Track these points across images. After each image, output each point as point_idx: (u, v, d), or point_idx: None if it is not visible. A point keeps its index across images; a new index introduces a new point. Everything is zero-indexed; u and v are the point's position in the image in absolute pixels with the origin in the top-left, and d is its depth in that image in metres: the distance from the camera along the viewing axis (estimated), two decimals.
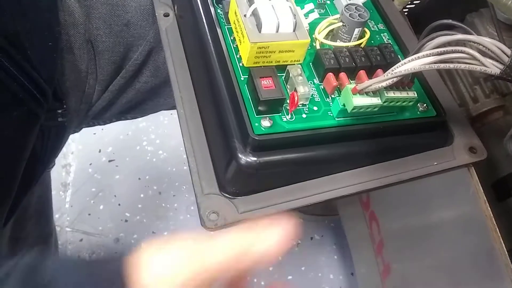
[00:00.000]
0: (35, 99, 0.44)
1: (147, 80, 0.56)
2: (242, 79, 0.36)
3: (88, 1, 0.50)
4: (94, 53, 0.52)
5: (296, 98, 0.35)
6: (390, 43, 0.40)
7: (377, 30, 0.42)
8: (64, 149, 0.62)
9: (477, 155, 0.39)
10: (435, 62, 0.31)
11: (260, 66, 0.36)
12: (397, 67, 0.32)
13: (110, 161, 1.15)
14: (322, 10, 0.42)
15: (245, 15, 0.35)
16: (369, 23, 0.43)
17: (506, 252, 0.38)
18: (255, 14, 0.35)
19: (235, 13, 0.36)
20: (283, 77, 0.37)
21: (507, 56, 0.29)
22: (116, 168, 1.14)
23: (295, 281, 0.98)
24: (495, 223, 0.39)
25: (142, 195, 1.10)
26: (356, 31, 0.39)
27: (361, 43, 0.39)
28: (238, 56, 0.37)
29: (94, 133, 1.16)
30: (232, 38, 0.38)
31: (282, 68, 0.37)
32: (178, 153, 1.13)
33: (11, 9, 0.41)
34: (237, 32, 0.37)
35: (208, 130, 0.39)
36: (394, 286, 0.58)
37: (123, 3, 0.52)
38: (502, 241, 0.38)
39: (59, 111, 0.51)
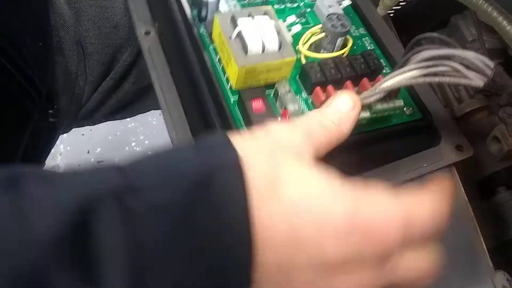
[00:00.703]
0: (31, 97, 0.45)
1: (136, 81, 0.57)
2: (232, 102, 0.37)
3: (78, 3, 0.51)
4: (83, 54, 0.53)
5: (287, 117, 0.35)
6: (373, 50, 0.41)
7: (358, 35, 0.43)
8: (52, 150, 0.63)
9: (464, 153, 0.40)
10: (421, 76, 0.31)
11: (249, 88, 0.36)
12: (385, 82, 0.33)
13: (99, 162, 1.14)
14: (303, 19, 0.43)
15: (230, 37, 0.36)
16: (350, 28, 0.43)
17: (487, 251, 0.39)
18: (239, 36, 0.35)
19: (220, 35, 0.36)
20: (272, 94, 0.37)
21: (490, 69, 0.29)
22: None
23: None
24: (476, 222, 0.40)
25: None
26: (339, 40, 0.39)
27: (344, 52, 0.40)
28: (226, 78, 0.37)
29: (83, 134, 1.15)
30: (218, 59, 0.38)
31: (270, 86, 0.37)
32: None
33: (7, 8, 0.42)
34: (223, 53, 0.37)
35: None
36: None
37: (112, 5, 0.52)
38: (482, 240, 0.39)
39: (50, 111, 0.52)
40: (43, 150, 0.57)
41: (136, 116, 0.66)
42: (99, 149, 1.15)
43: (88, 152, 1.15)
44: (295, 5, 0.43)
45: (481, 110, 0.49)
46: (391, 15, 0.51)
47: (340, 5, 0.43)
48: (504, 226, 0.56)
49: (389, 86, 0.33)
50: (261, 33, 0.35)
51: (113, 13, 0.53)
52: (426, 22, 0.61)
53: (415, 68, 0.32)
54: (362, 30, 0.43)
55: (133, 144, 1.16)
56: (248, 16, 0.36)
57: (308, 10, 0.43)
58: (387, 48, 0.42)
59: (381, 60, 0.41)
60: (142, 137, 1.17)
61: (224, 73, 0.38)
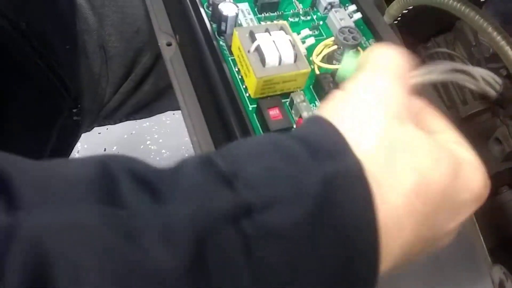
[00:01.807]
0: (60, 94, 0.48)
1: (155, 82, 0.60)
2: (251, 109, 0.39)
3: (101, 9, 0.54)
4: (106, 57, 0.56)
5: None
6: None
7: (368, 46, 0.45)
8: None
9: None
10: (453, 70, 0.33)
11: (266, 97, 0.39)
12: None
13: None
14: (316, 32, 0.45)
15: (248, 51, 0.38)
16: (361, 40, 0.46)
17: (485, 247, 0.41)
18: (258, 49, 0.38)
19: (239, 48, 0.39)
20: (287, 103, 0.40)
21: (499, 85, 0.32)
22: None
23: None
24: (474, 219, 0.42)
25: None
26: (351, 52, 0.42)
27: None
28: (244, 87, 0.40)
29: (99, 133, 1.18)
30: (236, 70, 0.41)
31: (286, 94, 0.40)
32: (181, 152, 1.16)
33: (39, 13, 0.45)
34: (241, 65, 0.40)
35: None
36: (381, 278, 0.62)
37: (134, 11, 0.55)
38: (481, 236, 0.42)
39: (74, 110, 0.55)
40: (68, 147, 0.60)
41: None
42: (115, 147, 1.19)
43: (105, 150, 1.18)
44: (309, 18, 0.46)
45: (485, 112, 0.52)
46: (398, 20, 0.53)
47: (351, 18, 0.45)
48: (506, 225, 0.59)
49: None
50: (278, 47, 0.38)
51: (135, 19, 0.56)
52: (431, 27, 0.63)
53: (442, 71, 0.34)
54: (372, 42, 0.46)
55: (148, 142, 1.20)
56: (265, 31, 0.39)
57: (321, 23, 0.46)
58: None
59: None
60: (156, 136, 1.20)
61: (243, 82, 0.40)
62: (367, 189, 0.21)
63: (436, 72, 0.32)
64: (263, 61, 0.38)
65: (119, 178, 0.20)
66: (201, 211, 0.19)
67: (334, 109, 0.24)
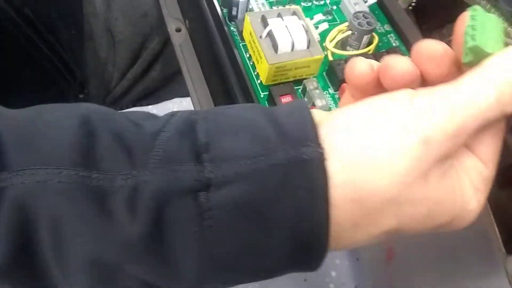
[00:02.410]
0: (66, 79, 0.47)
1: (163, 69, 0.59)
2: (262, 96, 0.38)
3: None
4: (113, 41, 0.55)
5: None
6: (398, 47, 0.42)
7: (383, 31, 0.44)
8: None
9: None
10: None
11: (279, 84, 0.38)
12: None
13: None
14: (329, 16, 0.44)
15: (260, 36, 0.37)
16: (376, 26, 0.44)
17: (500, 238, 0.40)
18: (270, 35, 0.37)
19: (250, 34, 0.38)
20: (300, 90, 0.39)
21: None
22: None
23: None
24: (489, 209, 0.41)
25: None
26: (365, 38, 0.41)
27: (369, 50, 0.41)
28: (255, 74, 0.39)
29: None
30: (248, 56, 0.40)
31: (298, 81, 0.39)
32: None
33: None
34: (253, 51, 0.38)
35: None
36: (397, 269, 0.61)
37: None
38: (496, 227, 0.41)
39: (81, 95, 0.54)
40: None
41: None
42: None
43: None
44: (322, 2, 0.45)
45: None
46: (413, 4, 0.52)
47: (365, 2, 0.44)
48: None
49: None
50: (290, 32, 0.37)
51: (143, 3, 0.55)
52: (447, 11, 0.62)
53: None
54: (387, 27, 0.44)
55: None
56: (278, 16, 0.38)
57: (335, 7, 0.45)
58: (412, 45, 0.43)
59: (407, 57, 0.42)
60: None
61: (254, 69, 0.39)
62: (322, 181, 0.21)
63: None
64: (275, 47, 0.37)
65: (100, 138, 0.21)
66: (166, 182, 0.21)
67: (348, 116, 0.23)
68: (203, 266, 0.21)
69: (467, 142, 0.23)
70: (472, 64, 0.22)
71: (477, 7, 0.23)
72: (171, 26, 0.47)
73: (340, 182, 0.21)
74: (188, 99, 0.45)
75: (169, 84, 0.60)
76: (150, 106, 0.64)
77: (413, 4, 0.50)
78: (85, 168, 0.21)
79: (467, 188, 0.23)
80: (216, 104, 0.42)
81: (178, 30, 0.47)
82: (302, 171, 0.21)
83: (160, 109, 1.19)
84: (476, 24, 0.23)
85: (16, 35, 0.42)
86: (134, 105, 0.62)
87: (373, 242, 0.24)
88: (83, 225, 0.20)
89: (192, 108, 0.44)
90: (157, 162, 0.21)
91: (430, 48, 0.24)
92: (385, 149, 0.21)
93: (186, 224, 0.21)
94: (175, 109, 1.19)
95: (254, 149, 0.22)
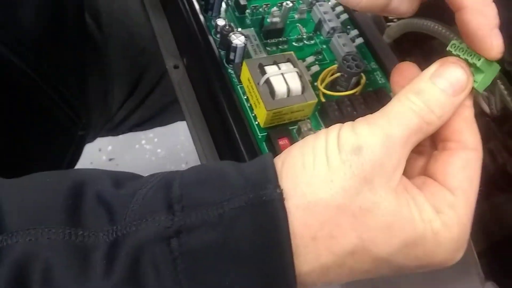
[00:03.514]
0: (71, 119, 0.50)
1: (159, 99, 0.62)
2: (260, 137, 0.41)
3: (108, 29, 0.56)
4: (112, 75, 0.57)
5: None
6: (384, 87, 0.45)
7: (370, 69, 0.47)
8: None
9: None
10: None
11: (275, 126, 0.41)
12: None
13: (110, 159, 1.19)
14: (320, 56, 0.47)
15: (258, 83, 0.40)
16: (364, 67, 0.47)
17: (479, 266, 0.44)
18: (268, 82, 0.40)
19: (249, 80, 0.41)
20: (295, 130, 0.42)
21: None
22: (117, 166, 1.18)
23: None
24: (470, 238, 0.45)
25: None
26: (354, 79, 0.44)
27: (356, 91, 0.44)
28: (253, 115, 0.42)
29: None
30: (245, 97, 0.43)
31: (293, 122, 0.42)
32: (176, 151, 1.18)
33: (50, 43, 0.46)
34: (251, 96, 0.41)
35: None
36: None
37: (140, 31, 0.57)
38: (474, 249, 0.44)
39: (81, 133, 0.57)
40: (72, 161, 0.61)
41: None
42: (110, 147, 1.20)
43: (100, 150, 1.19)
44: (312, 42, 0.48)
45: (480, 116, 0.54)
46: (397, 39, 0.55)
47: (353, 42, 0.47)
48: (497, 228, 0.61)
49: None
50: (286, 79, 0.40)
51: (141, 39, 0.57)
52: (429, 40, 0.65)
53: None
54: (373, 65, 0.47)
55: (143, 142, 1.21)
56: (274, 63, 0.40)
57: (324, 47, 0.48)
58: None
59: (391, 95, 0.45)
60: (151, 135, 1.21)
61: (252, 110, 0.42)
62: (283, 219, 0.24)
63: None
64: (272, 93, 0.39)
65: (86, 200, 0.25)
66: (140, 232, 0.24)
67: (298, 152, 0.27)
68: None
69: (403, 156, 0.26)
70: None
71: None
72: (169, 63, 0.49)
73: (295, 209, 0.24)
74: (184, 123, 0.47)
75: (165, 111, 0.63)
76: (146, 131, 0.66)
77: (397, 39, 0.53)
78: (72, 226, 0.24)
79: (425, 207, 0.25)
80: (215, 141, 0.45)
81: (176, 67, 0.49)
82: (262, 211, 0.24)
83: (156, 133, 1.20)
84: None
85: (29, 88, 0.44)
86: (130, 131, 0.65)
87: (351, 279, 0.26)
88: (70, 277, 0.23)
89: (190, 139, 0.46)
90: (133, 217, 0.24)
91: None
92: (324, 165, 0.25)
93: (160, 269, 0.23)
94: (170, 134, 1.21)
95: (220, 196, 0.25)
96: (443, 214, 0.25)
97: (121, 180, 0.27)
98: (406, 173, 0.27)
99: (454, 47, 0.28)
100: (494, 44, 0.26)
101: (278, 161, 0.27)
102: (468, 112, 0.27)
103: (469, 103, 0.27)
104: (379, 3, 0.29)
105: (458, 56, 0.27)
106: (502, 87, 0.41)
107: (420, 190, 0.26)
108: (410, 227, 0.25)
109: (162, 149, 1.20)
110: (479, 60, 0.27)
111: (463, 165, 0.26)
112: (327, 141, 0.26)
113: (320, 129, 0.43)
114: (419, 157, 0.29)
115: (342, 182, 0.24)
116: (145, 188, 0.25)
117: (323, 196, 0.24)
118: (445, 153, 0.27)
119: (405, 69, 0.29)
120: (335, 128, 0.27)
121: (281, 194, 0.24)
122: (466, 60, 0.27)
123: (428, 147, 0.29)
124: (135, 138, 1.20)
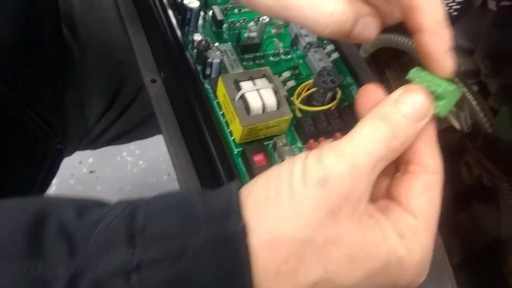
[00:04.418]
0: (47, 134, 0.49)
1: (137, 112, 0.61)
2: (236, 152, 0.41)
3: (85, 42, 0.55)
4: (89, 88, 0.57)
5: None
6: None
7: (346, 84, 0.48)
8: None
9: None
10: None
11: (251, 142, 0.41)
12: None
13: (91, 172, 1.18)
14: (296, 71, 0.47)
15: (234, 99, 0.40)
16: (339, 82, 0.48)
17: (454, 280, 0.44)
18: (243, 98, 0.40)
19: (224, 95, 0.41)
20: (270, 145, 0.42)
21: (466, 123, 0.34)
22: (97, 179, 1.17)
23: None
24: (443, 246, 0.45)
25: None
26: (329, 94, 0.44)
27: (332, 106, 0.45)
28: (229, 130, 0.42)
29: None
30: (221, 113, 0.43)
31: (269, 138, 0.42)
32: (158, 163, 1.17)
33: (25, 61, 0.46)
34: (227, 111, 0.41)
35: None
36: None
37: (117, 44, 0.57)
38: (448, 262, 0.45)
39: (58, 139, 0.56)
40: (50, 175, 0.61)
41: None
42: (91, 160, 1.19)
43: (80, 163, 1.18)
44: (289, 57, 0.48)
45: (452, 130, 0.55)
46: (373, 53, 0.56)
47: (329, 57, 0.48)
48: (475, 238, 0.62)
49: None
50: (261, 95, 0.40)
51: (118, 51, 0.57)
52: (406, 52, 0.66)
53: None
54: (349, 79, 0.48)
55: (125, 154, 1.20)
56: (249, 79, 0.41)
57: (301, 61, 0.48)
58: None
59: None
60: (133, 147, 1.21)
61: (228, 126, 0.42)
62: (241, 255, 0.24)
63: None
64: (247, 109, 0.39)
65: (47, 230, 0.24)
66: (101, 266, 0.23)
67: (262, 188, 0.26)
68: None
69: (370, 183, 0.26)
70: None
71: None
72: (147, 77, 0.49)
73: (258, 244, 0.24)
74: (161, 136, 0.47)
75: (144, 125, 0.62)
76: (125, 144, 0.66)
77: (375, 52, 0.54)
78: (32, 257, 0.24)
79: (390, 233, 0.26)
80: (192, 156, 0.45)
81: (154, 81, 0.49)
82: (225, 246, 0.24)
83: (137, 145, 1.20)
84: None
85: (2, 103, 0.43)
86: (109, 144, 0.64)
87: None
88: None
89: (166, 150, 0.46)
90: (95, 249, 0.24)
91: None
92: (288, 199, 0.25)
93: None
94: (151, 146, 1.20)
95: (183, 228, 0.24)
96: (407, 240, 0.26)
97: (85, 207, 0.26)
98: (371, 195, 0.27)
99: (415, 75, 0.29)
100: (448, 65, 0.27)
101: (244, 191, 0.26)
102: (430, 135, 0.28)
103: (431, 126, 0.28)
104: (343, 30, 0.29)
105: (419, 84, 0.28)
106: (474, 102, 0.41)
107: (384, 215, 0.26)
108: (374, 256, 0.25)
109: (144, 160, 1.19)
110: (440, 87, 0.27)
111: (424, 188, 0.27)
112: (292, 173, 0.26)
113: (296, 144, 0.43)
114: (383, 178, 0.29)
115: (306, 216, 0.24)
116: (109, 217, 0.25)
117: (287, 231, 0.24)
118: (407, 176, 0.28)
119: (370, 91, 0.30)
120: (299, 158, 0.26)
121: (243, 228, 0.24)
122: (428, 87, 0.28)
123: (391, 168, 0.29)
124: (116, 150, 1.20)
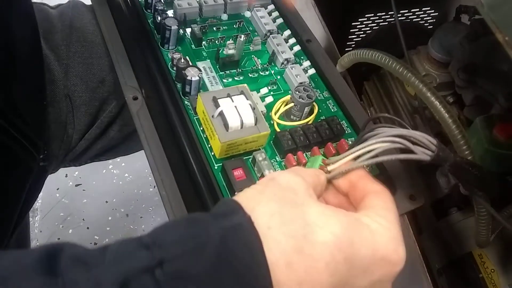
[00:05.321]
0: (29, 152, 0.50)
1: (120, 129, 0.62)
2: (216, 168, 0.42)
3: (67, 60, 0.56)
4: (72, 106, 0.58)
5: None
6: (336, 115, 0.47)
7: (323, 98, 0.49)
8: None
9: (416, 202, 0.46)
10: (377, 156, 0.37)
11: (231, 157, 0.42)
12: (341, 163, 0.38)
13: (77, 185, 1.18)
14: (274, 86, 0.48)
15: (212, 116, 0.41)
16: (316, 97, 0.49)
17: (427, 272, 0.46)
18: (221, 115, 0.41)
19: (203, 112, 0.42)
20: (250, 160, 0.43)
21: (434, 146, 0.36)
22: (83, 192, 1.17)
23: None
24: (421, 257, 0.47)
25: (110, 218, 1.14)
26: (306, 109, 0.45)
27: (309, 120, 0.46)
28: (209, 146, 0.43)
29: None
30: (201, 129, 0.44)
31: (249, 152, 0.43)
32: (144, 175, 1.17)
33: (7, 73, 0.46)
34: (206, 128, 0.42)
35: (189, 210, 0.45)
36: None
37: (99, 62, 0.57)
38: (428, 277, 0.46)
39: (41, 156, 0.56)
40: (34, 191, 0.61)
41: None
42: (77, 173, 1.19)
43: (66, 176, 1.19)
44: (267, 73, 0.49)
45: (435, 137, 0.56)
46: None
47: (306, 73, 0.49)
48: (455, 245, 0.64)
49: (346, 168, 0.38)
50: (239, 112, 0.41)
51: (100, 70, 0.58)
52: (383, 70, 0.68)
53: (373, 150, 0.37)
54: (326, 94, 0.49)
55: (110, 167, 1.20)
56: (227, 96, 0.42)
57: (279, 77, 0.49)
58: (349, 110, 0.48)
59: (343, 122, 0.47)
60: (119, 160, 1.21)
61: (208, 141, 0.43)
62: (255, 237, 0.27)
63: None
64: (226, 126, 0.41)
65: (61, 256, 0.26)
66: (124, 267, 0.25)
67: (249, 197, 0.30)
68: None
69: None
70: None
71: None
72: (128, 95, 0.50)
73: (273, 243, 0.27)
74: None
75: (127, 141, 0.63)
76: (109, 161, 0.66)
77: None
78: (50, 275, 0.24)
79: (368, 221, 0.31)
80: (174, 172, 0.46)
81: (135, 99, 0.50)
82: (236, 234, 0.27)
83: (123, 157, 1.20)
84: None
85: None
86: (92, 161, 0.65)
87: None
88: None
89: (148, 165, 0.47)
90: (112, 258, 0.26)
91: None
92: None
93: None
94: (137, 159, 1.19)
95: (194, 230, 0.27)
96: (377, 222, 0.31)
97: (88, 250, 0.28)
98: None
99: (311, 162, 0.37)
100: None
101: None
102: (360, 172, 0.35)
103: (359, 169, 0.35)
104: None
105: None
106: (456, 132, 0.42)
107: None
108: (349, 224, 0.30)
109: (129, 173, 1.19)
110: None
111: (377, 196, 0.33)
112: None
113: (275, 158, 0.44)
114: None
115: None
116: (115, 244, 0.27)
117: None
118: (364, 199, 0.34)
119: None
120: None
121: (249, 218, 0.28)
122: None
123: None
124: (102, 163, 1.19)
